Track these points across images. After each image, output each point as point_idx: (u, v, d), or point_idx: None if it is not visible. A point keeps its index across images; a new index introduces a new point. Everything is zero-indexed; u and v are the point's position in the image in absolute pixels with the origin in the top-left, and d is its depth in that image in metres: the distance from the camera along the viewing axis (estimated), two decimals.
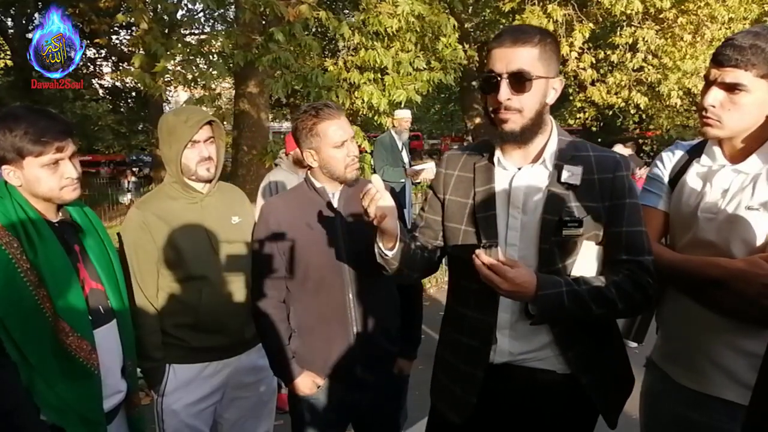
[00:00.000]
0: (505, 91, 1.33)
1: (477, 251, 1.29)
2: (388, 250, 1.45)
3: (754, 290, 1.22)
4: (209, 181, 1.99)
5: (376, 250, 1.46)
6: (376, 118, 5.37)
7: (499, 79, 1.33)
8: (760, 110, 1.29)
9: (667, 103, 9.55)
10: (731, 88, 1.29)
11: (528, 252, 1.39)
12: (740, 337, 1.32)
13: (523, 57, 1.32)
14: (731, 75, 1.28)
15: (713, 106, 1.33)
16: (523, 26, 1.43)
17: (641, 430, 1.64)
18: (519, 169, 1.43)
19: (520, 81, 1.32)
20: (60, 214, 1.61)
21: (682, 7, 8.49)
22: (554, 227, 1.35)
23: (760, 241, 1.29)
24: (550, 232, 1.36)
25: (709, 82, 1.34)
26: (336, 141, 1.75)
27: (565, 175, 1.37)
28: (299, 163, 3.34)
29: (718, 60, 1.31)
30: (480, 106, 15.68)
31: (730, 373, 1.33)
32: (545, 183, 1.40)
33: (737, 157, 1.37)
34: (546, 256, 1.37)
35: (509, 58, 1.32)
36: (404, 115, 5.75)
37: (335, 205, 1.82)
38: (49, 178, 1.50)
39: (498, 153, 1.45)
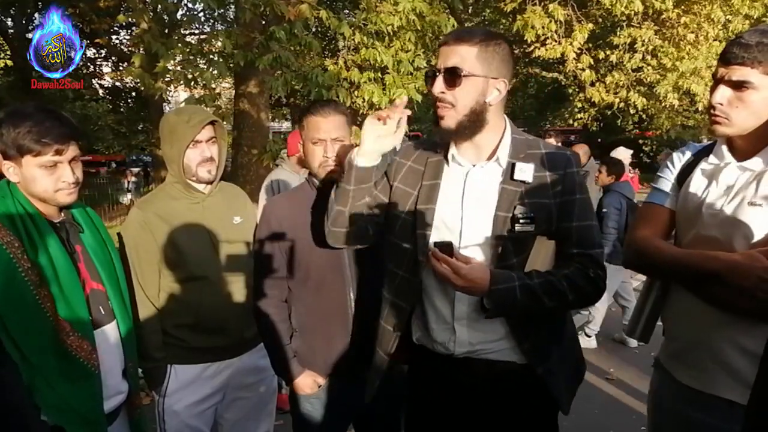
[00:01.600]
0: (438, 85, 1.39)
1: (432, 248, 1.34)
2: (360, 161, 1.49)
3: (751, 283, 1.23)
4: (210, 182, 1.99)
5: (350, 156, 1.50)
6: None
7: (437, 73, 1.40)
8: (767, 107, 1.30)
9: (664, 104, 9.57)
10: (738, 85, 1.30)
11: (483, 248, 1.43)
12: (744, 336, 1.32)
13: (460, 54, 1.38)
14: (738, 72, 1.29)
15: (721, 104, 1.34)
16: (473, 28, 1.55)
17: (648, 430, 1.64)
18: (473, 166, 1.47)
19: (452, 76, 1.37)
20: (62, 214, 1.61)
21: (684, 6, 8.49)
22: (508, 224, 1.40)
23: (761, 237, 1.29)
24: (504, 229, 1.40)
25: (717, 81, 1.35)
26: (313, 136, 1.75)
27: (517, 173, 1.41)
28: (302, 162, 3.35)
29: (726, 58, 1.32)
30: None
31: (734, 372, 1.33)
32: (498, 180, 1.44)
33: (745, 155, 1.38)
34: (500, 252, 1.41)
35: (447, 54, 1.39)
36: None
37: None
38: (44, 178, 1.50)
39: (453, 150, 1.49)
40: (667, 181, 1.55)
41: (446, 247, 1.33)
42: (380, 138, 1.47)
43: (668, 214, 1.52)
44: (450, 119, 1.40)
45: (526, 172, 1.41)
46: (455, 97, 1.39)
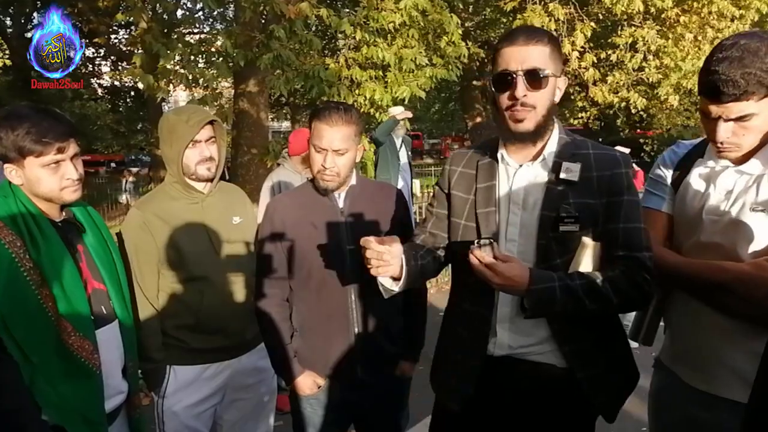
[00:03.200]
0: (521, 88, 1.36)
1: (471, 247, 1.33)
2: (394, 286, 1.48)
3: (761, 293, 1.21)
4: (210, 180, 1.98)
5: (380, 287, 1.49)
6: (378, 115, 5.36)
7: (514, 76, 1.36)
8: None
9: (666, 105, 9.56)
10: (739, 118, 1.27)
11: (527, 248, 1.42)
12: (751, 339, 1.30)
13: (538, 55, 1.36)
14: (736, 109, 1.26)
15: (728, 138, 1.31)
16: (532, 26, 1.48)
17: (649, 430, 1.63)
18: (520, 166, 1.46)
19: (535, 78, 1.36)
20: (63, 213, 1.60)
21: (684, 6, 8.48)
22: (552, 224, 1.39)
23: (766, 243, 1.27)
24: (548, 229, 1.39)
25: (711, 118, 1.32)
26: (316, 144, 1.74)
27: (563, 172, 1.40)
28: (305, 162, 3.36)
29: (715, 96, 1.27)
30: (480, 106, 15.66)
31: (742, 375, 1.32)
32: (544, 180, 1.43)
33: (740, 158, 1.36)
34: (544, 252, 1.40)
35: (524, 56, 1.36)
36: (396, 111, 5.64)
37: (340, 205, 1.81)
38: (49, 178, 1.50)
39: (502, 150, 1.49)
40: (661, 184, 1.53)
41: (487, 246, 1.32)
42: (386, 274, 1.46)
43: (666, 219, 1.51)
44: (530, 122, 1.39)
45: (572, 171, 1.40)
46: (536, 99, 1.38)
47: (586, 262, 1.40)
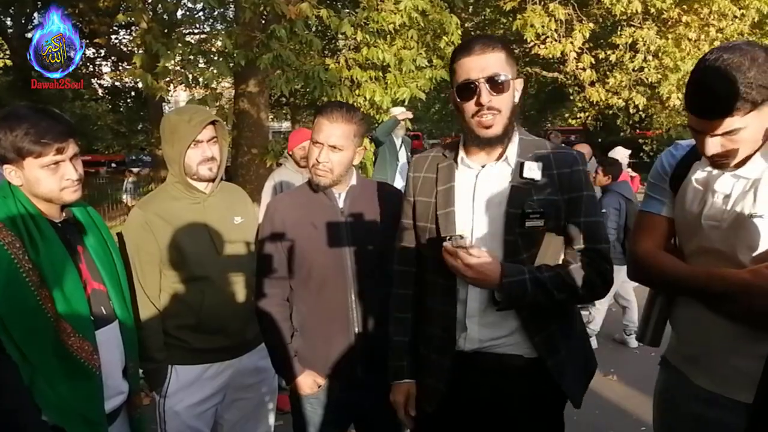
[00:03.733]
0: (485, 94, 1.42)
1: (444, 243, 1.40)
2: None
3: (762, 302, 1.21)
4: (211, 180, 1.99)
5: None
6: (378, 115, 5.37)
7: (477, 84, 1.43)
8: (761, 131, 1.27)
9: (667, 104, 9.55)
10: (726, 133, 1.27)
11: (494, 244, 1.47)
12: (754, 342, 1.29)
13: (495, 61, 1.43)
14: (723, 125, 1.25)
15: (717, 152, 1.31)
16: (485, 35, 1.57)
17: (654, 428, 1.63)
18: (483, 167, 1.52)
19: (496, 83, 1.43)
20: (63, 213, 1.60)
21: (685, 6, 8.48)
22: (518, 220, 1.44)
23: (765, 248, 1.27)
24: (514, 225, 1.45)
25: (699, 132, 1.31)
26: (314, 137, 1.76)
27: (526, 171, 1.47)
28: (299, 160, 3.39)
29: (702, 114, 1.27)
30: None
31: (750, 377, 1.32)
32: (508, 179, 1.49)
33: (737, 162, 1.36)
34: (511, 248, 1.46)
35: (482, 64, 1.43)
36: (397, 111, 5.64)
37: (341, 205, 1.82)
38: (48, 179, 1.49)
39: (462, 153, 1.55)
40: (660, 188, 1.53)
41: (460, 240, 1.37)
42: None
43: (667, 223, 1.50)
44: (498, 125, 1.45)
45: (534, 170, 1.46)
46: (500, 102, 1.44)
47: (551, 255, 1.47)
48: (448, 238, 1.40)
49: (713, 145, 1.30)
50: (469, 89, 1.44)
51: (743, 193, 1.32)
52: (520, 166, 1.48)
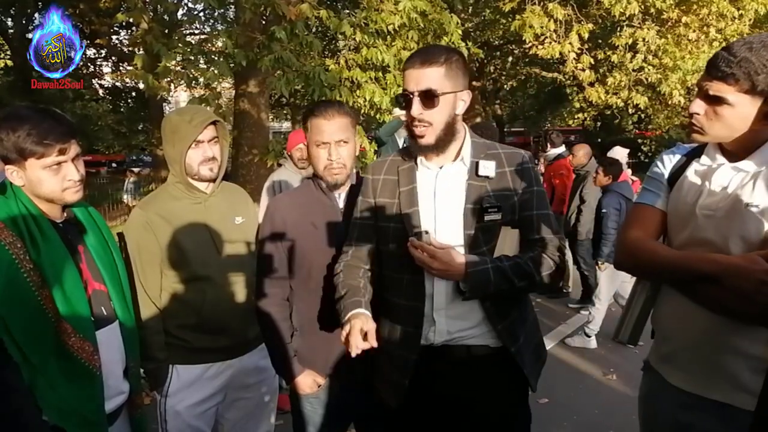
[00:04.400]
0: (416, 107, 1.51)
1: (411, 239, 1.49)
2: None
3: (751, 286, 1.21)
4: (212, 180, 1.99)
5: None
6: (378, 116, 5.37)
7: (411, 96, 1.51)
8: (743, 123, 1.30)
9: (669, 102, 9.54)
10: (715, 100, 1.31)
11: (456, 239, 1.55)
12: (741, 339, 1.30)
13: (431, 76, 1.50)
14: (715, 88, 1.30)
15: (697, 114, 1.36)
16: (431, 48, 1.61)
17: None
18: (441, 168, 1.60)
19: (429, 98, 1.50)
20: (64, 214, 1.60)
21: (684, 6, 8.49)
22: (477, 214, 1.54)
23: (758, 239, 1.28)
24: (474, 219, 1.54)
25: (699, 90, 1.37)
26: (317, 139, 1.76)
27: (481, 169, 1.57)
28: (299, 161, 3.39)
29: (709, 70, 1.32)
30: (480, 106, 15.79)
31: (731, 376, 1.32)
32: (465, 177, 1.58)
33: (736, 157, 1.38)
34: (472, 241, 1.54)
35: (418, 78, 1.51)
36: (400, 112, 5.67)
37: (340, 205, 1.82)
38: (51, 179, 1.49)
39: (420, 156, 1.62)
40: (657, 182, 1.54)
41: (425, 236, 1.48)
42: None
43: (660, 215, 1.51)
44: (430, 137, 1.54)
45: (488, 168, 1.57)
46: (432, 116, 1.52)
47: (508, 246, 1.57)
48: (413, 235, 1.51)
49: (698, 104, 1.36)
50: (406, 99, 1.53)
51: (741, 185, 1.34)
52: (476, 165, 1.57)
